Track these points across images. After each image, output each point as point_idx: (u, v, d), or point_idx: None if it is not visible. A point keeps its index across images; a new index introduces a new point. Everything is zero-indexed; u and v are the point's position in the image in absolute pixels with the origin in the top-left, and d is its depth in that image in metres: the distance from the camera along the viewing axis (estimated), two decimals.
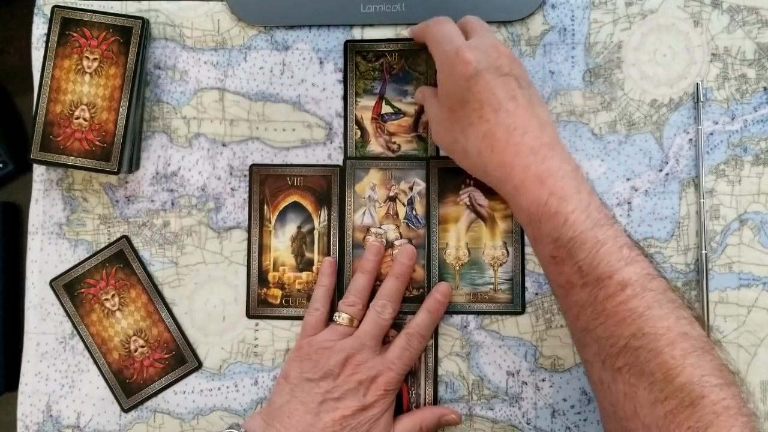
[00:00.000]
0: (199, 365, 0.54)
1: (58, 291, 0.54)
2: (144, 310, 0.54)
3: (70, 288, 0.54)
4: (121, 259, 0.54)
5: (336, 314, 0.51)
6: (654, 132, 0.52)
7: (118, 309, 0.54)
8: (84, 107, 0.52)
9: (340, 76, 0.54)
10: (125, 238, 0.54)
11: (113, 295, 0.54)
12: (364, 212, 0.54)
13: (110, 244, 0.54)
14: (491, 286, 0.53)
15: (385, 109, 0.54)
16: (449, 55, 0.46)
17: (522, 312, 0.52)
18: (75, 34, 0.53)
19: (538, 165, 0.42)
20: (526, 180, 0.42)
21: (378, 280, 0.53)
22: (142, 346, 0.54)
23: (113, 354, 0.54)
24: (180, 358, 0.54)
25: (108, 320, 0.54)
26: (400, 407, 0.52)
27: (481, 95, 0.44)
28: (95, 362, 0.54)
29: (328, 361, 0.49)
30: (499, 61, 0.45)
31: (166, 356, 0.54)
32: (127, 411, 0.54)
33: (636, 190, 0.52)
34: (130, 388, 0.54)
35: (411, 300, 0.53)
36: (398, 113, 0.54)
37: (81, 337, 0.54)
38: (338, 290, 0.53)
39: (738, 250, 0.51)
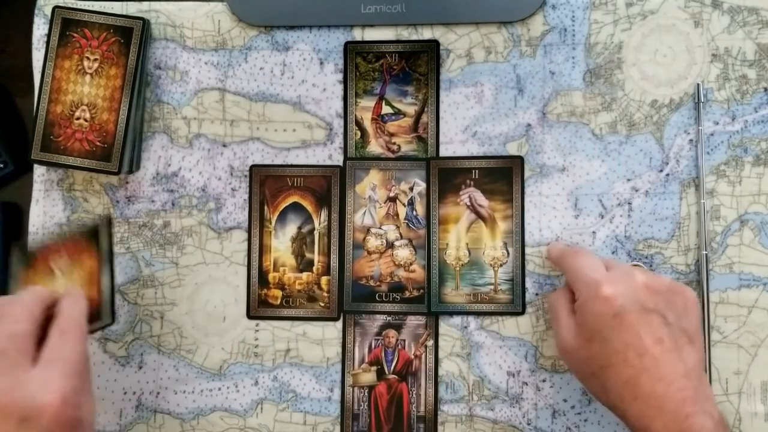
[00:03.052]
0: (112, 322, 0.49)
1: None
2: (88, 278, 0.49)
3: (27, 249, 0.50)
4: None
5: None
6: (654, 132, 0.52)
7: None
8: (84, 107, 0.53)
9: (340, 76, 0.54)
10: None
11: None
12: (364, 213, 0.54)
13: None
14: (491, 287, 0.53)
15: (385, 109, 0.54)
16: (590, 289, 0.44)
17: (522, 312, 0.52)
18: (75, 35, 0.53)
19: (680, 425, 0.40)
20: None
21: (380, 281, 0.53)
22: None
23: None
24: (96, 314, 0.49)
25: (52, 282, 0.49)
26: (400, 408, 0.52)
27: (624, 337, 0.42)
28: None
29: None
30: (643, 295, 0.43)
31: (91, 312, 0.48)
32: None
33: (636, 191, 0.52)
34: None
35: (412, 300, 0.53)
36: (398, 114, 0.54)
37: None
38: (344, 297, 0.53)
39: (738, 251, 0.51)
